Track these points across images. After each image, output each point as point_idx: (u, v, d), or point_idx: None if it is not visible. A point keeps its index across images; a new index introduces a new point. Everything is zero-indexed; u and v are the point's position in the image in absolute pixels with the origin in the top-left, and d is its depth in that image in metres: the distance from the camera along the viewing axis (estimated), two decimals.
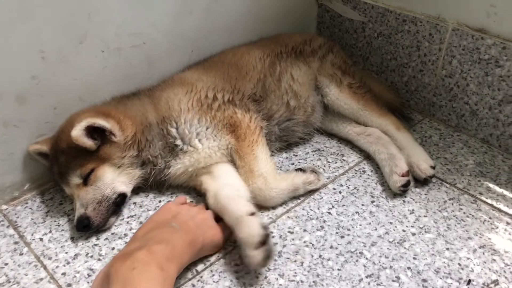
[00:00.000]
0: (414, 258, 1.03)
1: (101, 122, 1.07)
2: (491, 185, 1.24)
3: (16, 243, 1.09)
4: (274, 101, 1.31)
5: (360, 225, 1.12)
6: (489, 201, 1.19)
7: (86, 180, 1.10)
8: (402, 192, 1.20)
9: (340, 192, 1.22)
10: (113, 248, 1.07)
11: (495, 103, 1.33)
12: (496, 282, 0.98)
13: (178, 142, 1.16)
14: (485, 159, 1.33)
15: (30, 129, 1.17)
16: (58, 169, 1.12)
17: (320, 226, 1.12)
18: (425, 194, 1.21)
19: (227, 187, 1.10)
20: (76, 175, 1.10)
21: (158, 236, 0.93)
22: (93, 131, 1.08)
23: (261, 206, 1.16)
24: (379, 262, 1.03)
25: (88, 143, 1.07)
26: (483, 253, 1.05)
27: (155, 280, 0.83)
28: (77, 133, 1.04)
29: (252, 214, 1.00)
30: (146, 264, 0.85)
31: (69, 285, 0.99)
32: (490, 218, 1.14)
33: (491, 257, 1.04)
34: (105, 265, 0.94)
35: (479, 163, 1.32)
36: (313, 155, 1.37)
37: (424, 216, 1.15)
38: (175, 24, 1.32)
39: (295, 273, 1.00)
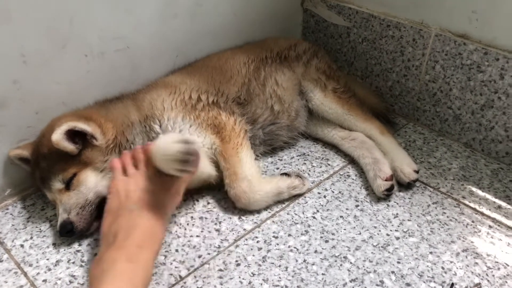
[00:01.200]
0: (398, 262, 1.04)
1: (82, 125, 1.06)
2: (474, 189, 1.25)
3: None
4: (258, 105, 1.31)
5: (345, 229, 1.12)
6: (472, 204, 1.20)
7: (68, 185, 1.08)
8: (386, 196, 1.21)
9: (324, 197, 1.23)
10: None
11: (477, 108, 1.35)
12: (478, 285, 0.99)
13: None
14: (468, 163, 1.35)
15: (11, 134, 1.15)
16: (40, 174, 1.10)
17: (305, 231, 1.12)
18: (409, 198, 1.22)
19: None
20: (58, 180, 1.08)
21: (122, 228, 0.91)
22: (74, 135, 1.06)
23: (245, 210, 1.16)
24: (363, 266, 1.03)
25: (69, 147, 1.05)
26: (466, 257, 1.05)
27: (121, 276, 0.83)
28: (58, 137, 1.03)
29: None
30: (113, 261, 0.85)
31: None
32: (473, 221, 1.15)
33: (474, 260, 1.04)
34: None
35: (462, 167, 1.33)
36: (298, 159, 1.37)
37: (408, 220, 1.15)
38: (159, 28, 1.32)
39: (280, 278, 1.00)
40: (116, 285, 0.81)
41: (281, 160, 1.37)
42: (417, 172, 1.25)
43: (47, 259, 1.05)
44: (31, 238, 1.11)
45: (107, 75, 1.26)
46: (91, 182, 1.09)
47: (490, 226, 1.13)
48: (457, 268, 1.03)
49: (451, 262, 1.04)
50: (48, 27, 1.10)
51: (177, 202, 1.03)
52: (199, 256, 1.05)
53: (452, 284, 0.98)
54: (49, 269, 1.02)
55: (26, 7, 1.05)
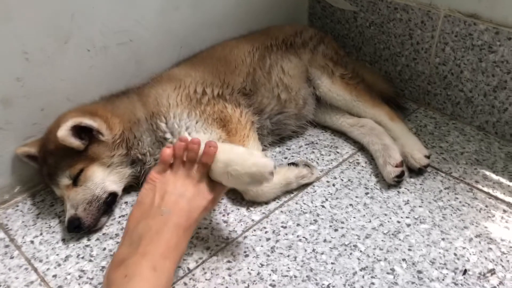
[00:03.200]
0: (409, 250, 1.02)
1: (87, 121, 1.06)
2: (487, 173, 1.22)
3: (6, 246, 1.08)
4: (264, 95, 1.29)
5: (354, 217, 1.11)
6: (485, 189, 1.17)
7: (75, 181, 1.08)
8: (396, 183, 1.18)
9: (333, 185, 1.21)
10: (104, 249, 1.06)
11: (489, 90, 1.31)
12: (492, 271, 0.96)
13: (168, 135, 1.14)
14: (481, 147, 1.31)
15: (17, 132, 1.16)
16: (47, 170, 1.10)
17: (314, 220, 1.10)
18: (420, 184, 1.19)
19: None
20: (65, 176, 1.08)
21: (149, 231, 0.88)
22: (80, 131, 1.07)
23: (253, 201, 1.15)
24: (374, 254, 1.01)
25: (75, 143, 1.05)
26: (479, 242, 1.03)
27: (146, 283, 0.81)
28: (63, 133, 1.03)
29: None
30: (137, 268, 0.83)
31: (60, 287, 0.98)
32: (486, 206, 1.12)
33: (488, 246, 1.02)
34: (107, 267, 0.92)
35: (475, 151, 1.30)
36: (307, 148, 1.35)
37: (419, 206, 1.13)
38: (161, 20, 1.31)
39: (288, 268, 0.99)
40: None
41: (289, 149, 1.35)
42: (428, 157, 1.22)
43: (57, 255, 1.05)
44: (41, 234, 1.11)
45: (111, 69, 1.26)
46: (98, 177, 1.10)
47: (504, 211, 1.10)
48: (470, 254, 1.00)
49: (464, 248, 1.02)
50: (50, 23, 1.10)
51: (209, 211, 1.01)
52: (207, 248, 1.04)
53: (465, 271, 0.96)
54: (59, 265, 1.03)
55: (26, 4, 1.05)
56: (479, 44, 1.28)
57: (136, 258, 0.84)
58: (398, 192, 1.17)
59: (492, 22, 1.25)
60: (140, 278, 0.81)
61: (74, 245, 1.08)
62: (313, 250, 1.03)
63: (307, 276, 0.97)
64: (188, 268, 1.00)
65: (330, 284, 0.95)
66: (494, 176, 1.20)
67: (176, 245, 0.89)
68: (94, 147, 1.10)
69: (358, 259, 1.00)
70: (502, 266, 0.97)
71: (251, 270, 0.99)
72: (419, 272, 0.97)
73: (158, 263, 0.84)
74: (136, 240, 0.88)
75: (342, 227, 1.08)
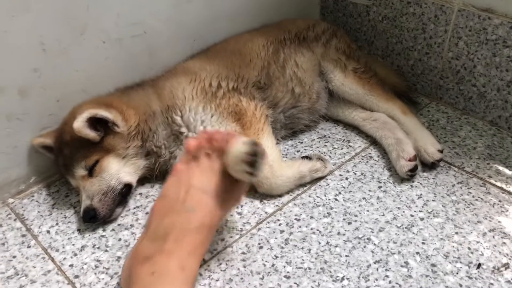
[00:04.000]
0: (423, 243, 1.02)
1: (103, 113, 1.07)
2: (500, 168, 1.22)
3: (23, 236, 1.10)
4: (278, 89, 1.29)
5: (368, 211, 1.11)
6: (498, 184, 1.17)
7: (91, 172, 1.09)
8: (409, 177, 1.19)
9: (346, 178, 1.21)
10: (119, 239, 1.07)
11: (503, 85, 1.31)
12: (506, 265, 0.97)
13: (183, 129, 1.15)
14: (494, 142, 1.31)
15: (33, 122, 1.16)
16: (63, 161, 1.11)
17: (327, 213, 1.11)
18: (433, 178, 1.20)
19: None
20: (81, 167, 1.09)
21: (175, 228, 0.87)
22: (96, 122, 1.07)
23: (267, 194, 1.15)
24: (387, 247, 1.02)
25: (91, 134, 1.06)
26: (493, 237, 1.03)
27: (175, 283, 0.82)
28: (79, 124, 1.04)
29: None
30: (165, 266, 0.83)
31: (77, 276, 0.99)
32: (499, 201, 1.12)
33: (501, 240, 1.02)
34: (128, 258, 0.93)
35: (488, 145, 1.30)
36: (319, 141, 1.35)
37: (433, 200, 1.13)
38: (175, 13, 1.31)
39: (303, 260, 1.00)
40: None
41: (302, 143, 1.35)
42: (441, 151, 1.22)
43: (73, 245, 1.07)
44: (57, 224, 1.12)
45: (125, 61, 1.27)
46: (113, 168, 1.11)
47: None
48: (484, 248, 1.01)
49: (478, 242, 1.02)
50: (66, 15, 1.11)
51: (232, 209, 1.01)
52: (222, 240, 1.05)
53: (479, 265, 0.97)
54: (75, 254, 1.04)
55: None
56: (493, 38, 1.28)
57: (163, 256, 0.84)
58: (411, 186, 1.18)
59: (507, 16, 1.24)
60: (168, 278, 0.82)
61: (89, 235, 1.09)
62: (327, 242, 1.03)
63: (321, 268, 0.98)
64: (204, 259, 1.01)
65: (344, 276, 0.96)
66: (508, 171, 1.21)
67: (201, 244, 0.89)
68: (109, 139, 1.10)
69: (372, 252, 1.01)
70: None
71: (266, 261, 1.00)
72: (433, 265, 0.97)
73: (185, 262, 0.85)
74: (161, 236, 0.87)
75: (356, 220, 1.09)
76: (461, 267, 0.97)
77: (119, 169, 1.11)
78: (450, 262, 0.98)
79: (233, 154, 0.88)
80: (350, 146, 1.33)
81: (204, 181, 0.90)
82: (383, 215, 1.10)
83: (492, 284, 0.93)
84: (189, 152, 0.93)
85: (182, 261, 0.85)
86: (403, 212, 1.10)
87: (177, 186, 0.91)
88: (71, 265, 1.02)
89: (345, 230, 1.06)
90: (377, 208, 1.12)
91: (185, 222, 0.88)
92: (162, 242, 0.86)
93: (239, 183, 0.93)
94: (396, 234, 1.05)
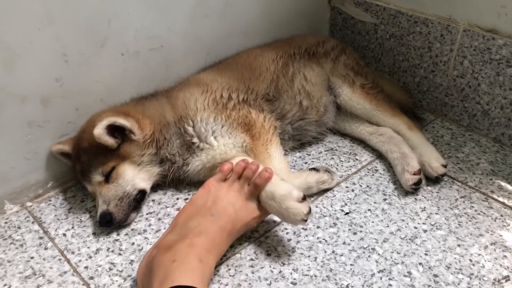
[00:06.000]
0: (426, 254, 1.06)
1: (121, 121, 1.12)
2: (502, 184, 1.25)
3: (41, 238, 1.14)
4: (287, 101, 1.34)
5: (373, 222, 1.15)
6: (500, 199, 1.20)
7: (107, 178, 1.14)
8: (413, 190, 1.22)
9: (352, 190, 1.25)
10: (133, 243, 1.11)
11: (506, 103, 1.35)
12: (507, 277, 1.00)
13: (195, 139, 1.20)
14: (497, 158, 1.35)
15: (53, 129, 1.22)
16: (80, 167, 1.16)
17: (333, 223, 1.15)
18: (436, 192, 1.23)
19: None
20: (98, 173, 1.14)
21: (199, 227, 0.96)
22: (113, 130, 1.12)
23: None
24: (391, 257, 1.05)
25: (110, 141, 1.11)
26: (494, 250, 1.06)
27: (194, 272, 0.87)
28: (99, 131, 1.08)
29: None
30: (186, 256, 0.89)
31: (91, 278, 1.03)
32: (501, 215, 1.15)
33: (502, 253, 1.05)
34: (146, 255, 0.98)
35: (491, 162, 1.33)
36: (326, 154, 1.40)
37: (436, 213, 1.17)
38: (191, 28, 1.37)
39: (309, 267, 1.03)
40: (190, 279, 0.85)
41: (310, 155, 1.40)
42: (445, 166, 1.26)
43: (88, 247, 1.11)
44: (73, 227, 1.17)
45: (142, 73, 1.32)
46: (129, 175, 1.15)
47: None
48: (485, 260, 1.04)
49: (479, 254, 1.05)
50: (88, 28, 1.16)
51: (252, 227, 1.08)
52: (231, 246, 1.08)
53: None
54: (90, 257, 1.08)
55: (68, 10, 1.11)
56: (497, 58, 1.32)
57: (184, 246, 0.91)
58: (415, 199, 1.21)
59: (511, 37, 1.29)
60: (188, 266, 0.88)
61: (104, 239, 1.13)
62: (333, 251, 1.07)
63: (327, 276, 1.01)
64: None
65: (349, 284, 0.99)
66: (510, 187, 1.24)
67: (219, 244, 0.97)
68: (125, 146, 1.15)
69: (376, 261, 1.04)
70: None
71: (273, 268, 1.03)
72: (435, 276, 1.00)
73: (204, 256, 0.91)
74: (185, 232, 0.95)
75: (361, 231, 1.12)
76: (462, 278, 1.00)
77: (134, 176, 1.16)
78: (452, 273, 1.01)
79: (280, 208, 1.01)
80: (357, 159, 1.37)
81: (230, 197, 1.03)
82: (388, 226, 1.13)
83: None
84: (223, 173, 1.05)
85: (201, 254, 0.91)
86: (407, 224, 1.14)
87: (206, 196, 1.03)
88: (86, 267, 1.06)
89: (351, 240, 1.10)
90: (382, 220, 1.15)
91: (209, 223, 0.97)
92: (184, 234, 0.94)
93: (262, 208, 1.05)
94: (400, 245, 1.08)
